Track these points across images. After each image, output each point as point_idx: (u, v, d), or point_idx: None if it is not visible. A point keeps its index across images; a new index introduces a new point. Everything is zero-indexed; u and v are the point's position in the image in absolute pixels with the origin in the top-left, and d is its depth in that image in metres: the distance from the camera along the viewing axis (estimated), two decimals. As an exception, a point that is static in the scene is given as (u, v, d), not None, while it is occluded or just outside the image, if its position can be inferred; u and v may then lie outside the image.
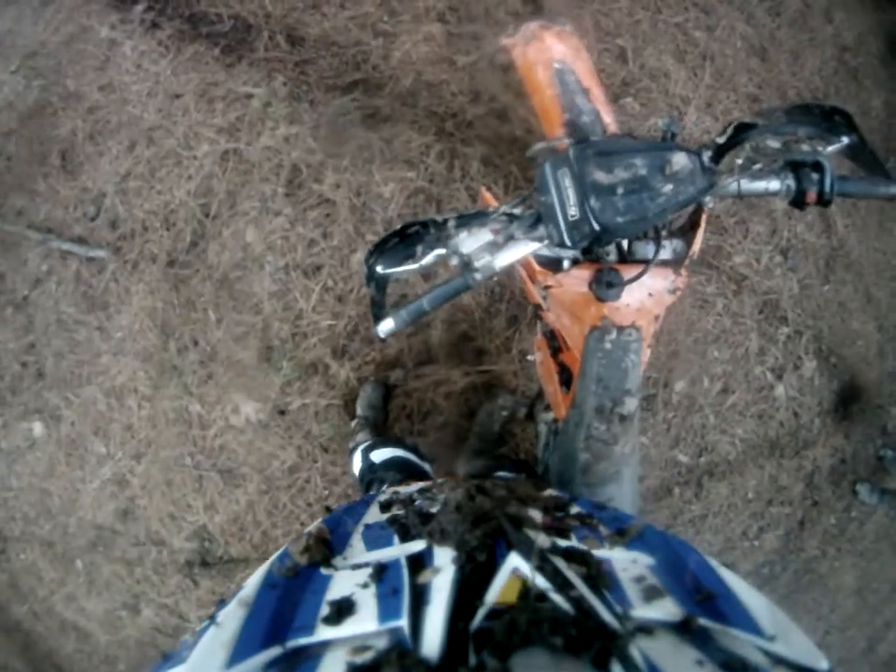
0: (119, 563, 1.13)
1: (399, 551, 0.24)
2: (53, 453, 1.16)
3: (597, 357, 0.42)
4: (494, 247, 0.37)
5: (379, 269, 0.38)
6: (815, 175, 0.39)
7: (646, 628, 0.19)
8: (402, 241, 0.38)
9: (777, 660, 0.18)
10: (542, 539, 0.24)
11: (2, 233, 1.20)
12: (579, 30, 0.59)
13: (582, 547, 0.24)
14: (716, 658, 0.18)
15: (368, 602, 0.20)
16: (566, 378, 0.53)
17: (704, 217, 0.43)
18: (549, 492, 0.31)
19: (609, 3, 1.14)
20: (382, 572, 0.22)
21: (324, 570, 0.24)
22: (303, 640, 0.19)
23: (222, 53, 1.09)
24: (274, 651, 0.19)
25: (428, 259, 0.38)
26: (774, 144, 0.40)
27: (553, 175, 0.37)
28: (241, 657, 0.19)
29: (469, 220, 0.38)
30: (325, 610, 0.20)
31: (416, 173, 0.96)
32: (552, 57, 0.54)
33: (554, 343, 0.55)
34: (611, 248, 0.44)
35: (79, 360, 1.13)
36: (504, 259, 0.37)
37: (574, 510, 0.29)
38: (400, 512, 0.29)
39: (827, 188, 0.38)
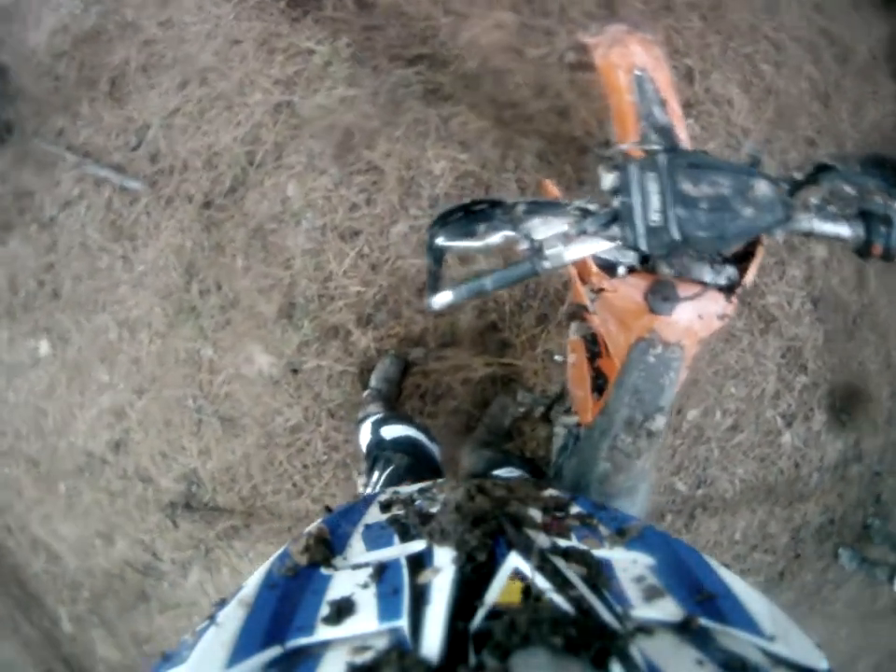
0: (102, 492, 1.13)
1: (398, 551, 0.24)
2: (55, 374, 1.16)
3: (638, 368, 0.42)
4: (565, 239, 0.37)
5: (440, 240, 0.38)
6: (883, 229, 0.39)
7: (646, 628, 0.19)
8: (466, 216, 0.38)
9: (777, 660, 0.18)
10: (542, 539, 0.24)
11: (39, 152, 1.19)
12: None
13: (582, 547, 0.24)
14: (716, 658, 0.18)
15: (368, 602, 0.20)
16: (600, 384, 0.52)
17: (761, 249, 0.43)
18: (549, 492, 0.31)
19: (682, 21, 1.12)
20: (382, 572, 0.22)
21: (324, 570, 0.24)
22: (303, 640, 0.19)
23: (288, 6, 1.08)
24: (274, 651, 0.19)
25: (495, 238, 0.37)
26: (849, 190, 0.41)
27: (640, 177, 0.37)
28: (241, 657, 0.19)
29: (539, 208, 0.38)
30: (325, 610, 0.20)
31: (469, 155, 0.96)
32: (634, 63, 0.55)
33: (594, 348, 0.54)
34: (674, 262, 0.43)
35: (97, 287, 1.13)
36: (575, 252, 0.37)
37: (574, 510, 0.29)
38: (400, 512, 0.29)
39: (893, 243, 0.38)
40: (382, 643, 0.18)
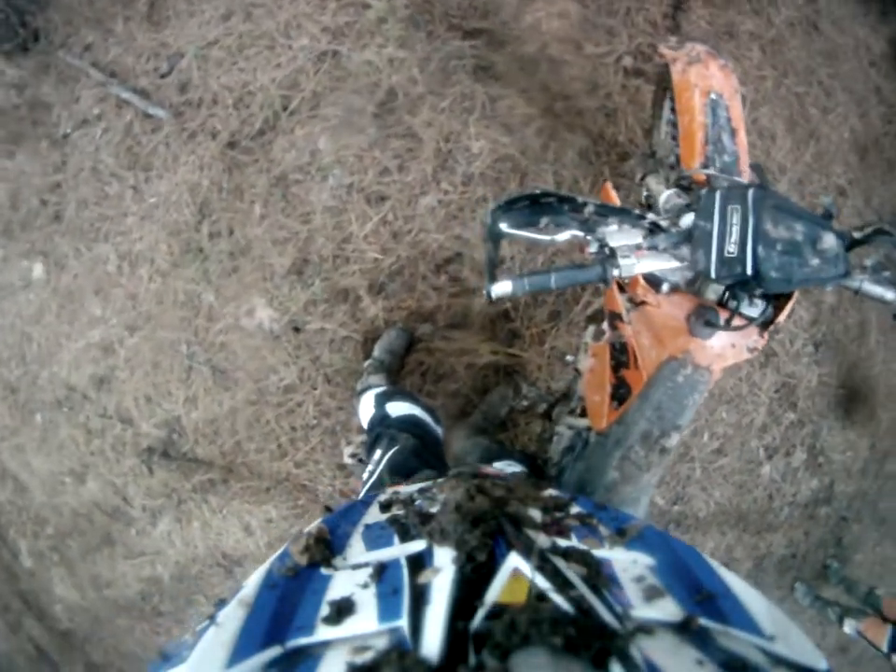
0: (79, 429, 1.09)
1: (398, 551, 0.24)
2: (46, 300, 1.11)
3: (665, 385, 0.43)
4: (636, 250, 0.37)
5: (503, 226, 0.37)
6: None
7: (646, 628, 0.19)
8: (531, 206, 0.38)
9: (777, 660, 0.18)
10: (542, 539, 0.24)
11: (63, 64, 1.12)
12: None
13: (582, 547, 0.24)
14: (716, 658, 0.18)
15: (368, 602, 0.20)
16: (621, 394, 0.52)
17: (796, 292, 0.44)
18: (549, 492, 0.31)
19: (743, 49, 1.12)
20: (382, 572, 0.22)
21: (324, 570, 0.24)
22: (303, 640, 0.19)
23: (348, -45, 1.04)
24: (274, 651, 0.19)
25: (563, 236, 0.37)
26: None
27: (722, 206, 0.38)
28: (241, 657, 0.19)
29: (609, 213, 0.38)
30: (325, 610, 0.20)
31: (511, 139, 0.93)
32: (711, 85, 0.54)
33: (622, 357, 0.54)
34: (718, 289, 0.44)
35: (103, 214, 1.08)
36: (646, 265, 0.38)
37: (574, 510, 0.29)
38: (400, 512, 0.29)
39: None
40: (382, 643, 0.18)
